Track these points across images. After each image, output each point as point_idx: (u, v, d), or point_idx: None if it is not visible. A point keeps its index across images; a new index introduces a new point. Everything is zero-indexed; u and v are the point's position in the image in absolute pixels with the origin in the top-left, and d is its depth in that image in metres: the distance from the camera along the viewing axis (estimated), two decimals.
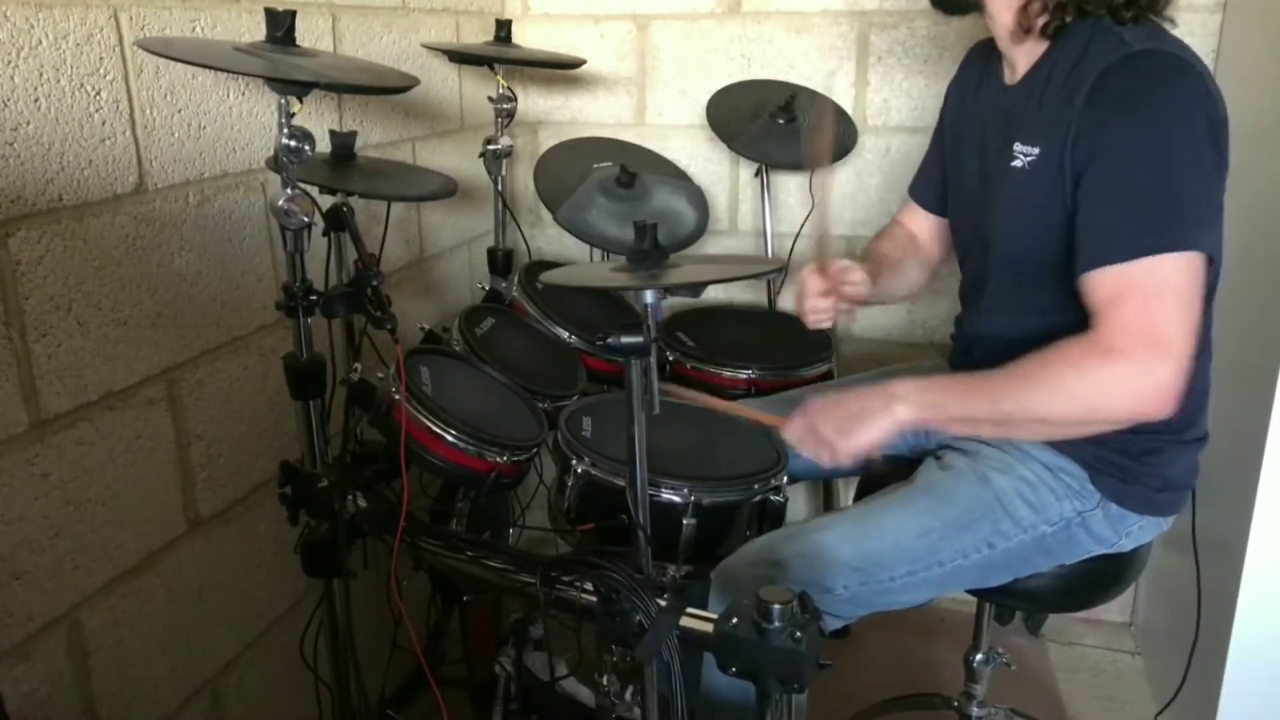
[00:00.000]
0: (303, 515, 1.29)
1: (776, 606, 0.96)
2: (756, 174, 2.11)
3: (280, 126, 1.08)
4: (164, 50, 1.10)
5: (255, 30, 1.33)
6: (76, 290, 1.13)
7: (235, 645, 1.47)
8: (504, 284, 1.86)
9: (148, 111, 1.21)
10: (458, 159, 2.00)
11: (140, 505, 1.25)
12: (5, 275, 1.04)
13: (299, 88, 1.05)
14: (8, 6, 1.01)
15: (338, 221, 1.26)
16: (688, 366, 1.79)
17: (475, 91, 2.04)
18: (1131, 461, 1.23)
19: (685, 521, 1.30)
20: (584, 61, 1.98)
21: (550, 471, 1.46)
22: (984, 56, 1.38)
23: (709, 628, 1.02)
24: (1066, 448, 1.25)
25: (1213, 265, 1.09)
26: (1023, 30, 1.21)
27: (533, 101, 2.27)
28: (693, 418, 1.53)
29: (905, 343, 2.17)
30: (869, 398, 1.20)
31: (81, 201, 1.13)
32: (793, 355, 1.79)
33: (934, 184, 1.52)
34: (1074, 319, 1.11)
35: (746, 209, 2.21)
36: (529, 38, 2.20)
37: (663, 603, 1.06)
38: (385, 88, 1.32)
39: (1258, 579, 1.55)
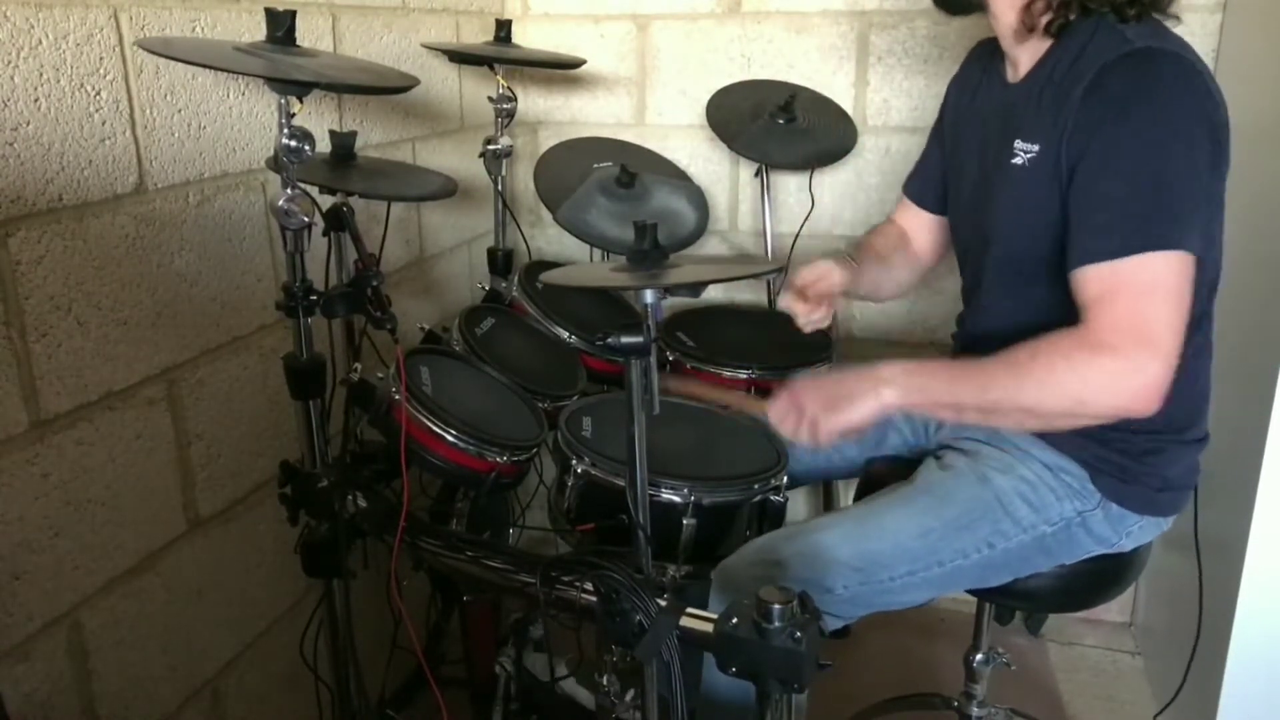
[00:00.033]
0: (303, 515, 1.29)
1: (776, 606, 0.96)
2: (756, 174, 2.11)
3: (280, 126, 1.08)
4: (164, 50, 1.10)
5: (255, 30, 1.33)
6: (76, 290, 1.13)
7: (235, 645, 1.47)
8: (504, 284, 1.86)
9: (148, 111, 1.21)
10: (458, 159, 2.00)
11: (140, 505, 1.25)
12: (5, 275, 1.04)
13: (299, 88, 1.05)
14: (8, 6, 1.01)
15: (338, 221, 1.26)
16: (688, 366, 1.79)
17: (475, 91, 2.04)
18: (1132, 462, 1.23)
19: (685, 521, 1.30)
20: (584, 61, 1.98)
21: (550, 471, 1.46)
22: (986, 55, 1.38)
23: (709, 628, 1.02)
24: (1067, 448, 1.25)
25: (1202, 266, 1.09)
26: (1026, 29, 1.20)
27: (533, 101, 2.27)
28: (693, 418, 1.53)
29: (905, 343, 2.17)
30: (856, 380, 1.19)
31: (81, 201, 1.13)
32: (792, 355, 1.79)
33: (930, 182, 1.52)
34: (1073, 317, 1.11)
35: (746, 209, 2.21)
36: (529, 38, 2.20)
37: (663, 603, 1.06)
38: (385, 88, 1.32)
39: (1258, 579, 1.55)
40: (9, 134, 1.03)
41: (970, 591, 1.34)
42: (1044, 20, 1.19)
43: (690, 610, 1.05)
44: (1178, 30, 1.16)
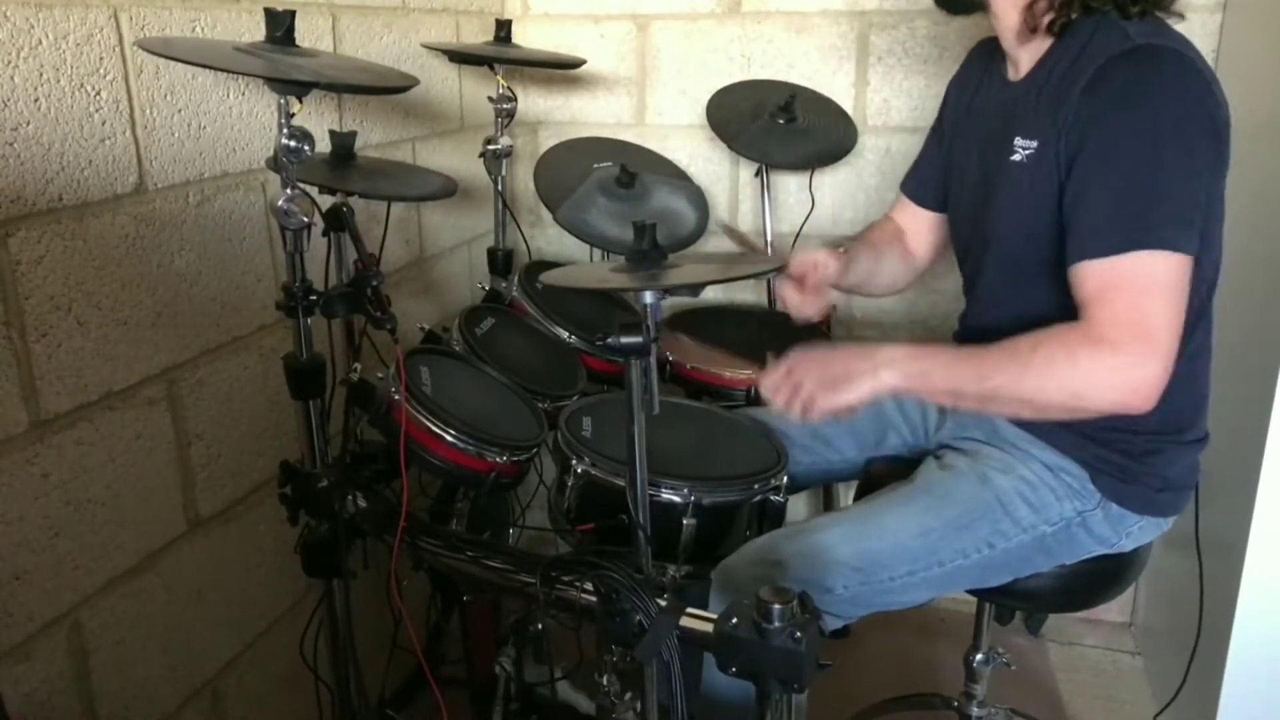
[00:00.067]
0: (303, 515, 1.29)
1: (776, 606, 0.96)
2: (756, 174, 2.11)
3: (280, 126, 1.08)
4: (164, 50, 1.10)
5: (255, 30, 1.33)
6: (76, 290, 1.13)
7: (235, 645, 1.47)
8: (504, 284, 1.86)
9: (148, 111, 1.21)
10: (458, 159, 2.00)
11: (140, 505, 1.25)
12: (5, 275, 1.04)
13: (299, 88, 1.05)
14: (8, 6, 1.01)
15: (338, 221, 1.26)
16: (688, 366, 1.79)
17: (475, 91, 2.04)
18: (1132, 462, 1.23)
19: (685, 521, 1.30)
20: (584, 61, 1.98)
21: (550, 471, 1.46)
22: (986, 55, 1.38)
23: (709, 628, 1.02)
24: (1067, 448, 1.25)
25: (1200, 265, 1.09)
26: (1029, 29, 1.20)
27: (533, 101, 2.27)
28: (693, 418, 1.53)
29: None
30: (855, 359, 1.18)
31: (81, 201, 1.13)
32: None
33: (928, 179, 1.52)
34: (1073, 313, 1.11)
35: (746, 209, 2.21)
36: (529, 38, 2.20)
37: (663, 603, 1.06)
38: (385, 88, 1.32)
39: (1258, 579, 1.55)
40: (9, 134, 1.03)
41: (970, 591, 1.33)
42: (1046, 19, 1.19)
43: (690, 610, 1.05)
44: (1179, 28, 1.16)
